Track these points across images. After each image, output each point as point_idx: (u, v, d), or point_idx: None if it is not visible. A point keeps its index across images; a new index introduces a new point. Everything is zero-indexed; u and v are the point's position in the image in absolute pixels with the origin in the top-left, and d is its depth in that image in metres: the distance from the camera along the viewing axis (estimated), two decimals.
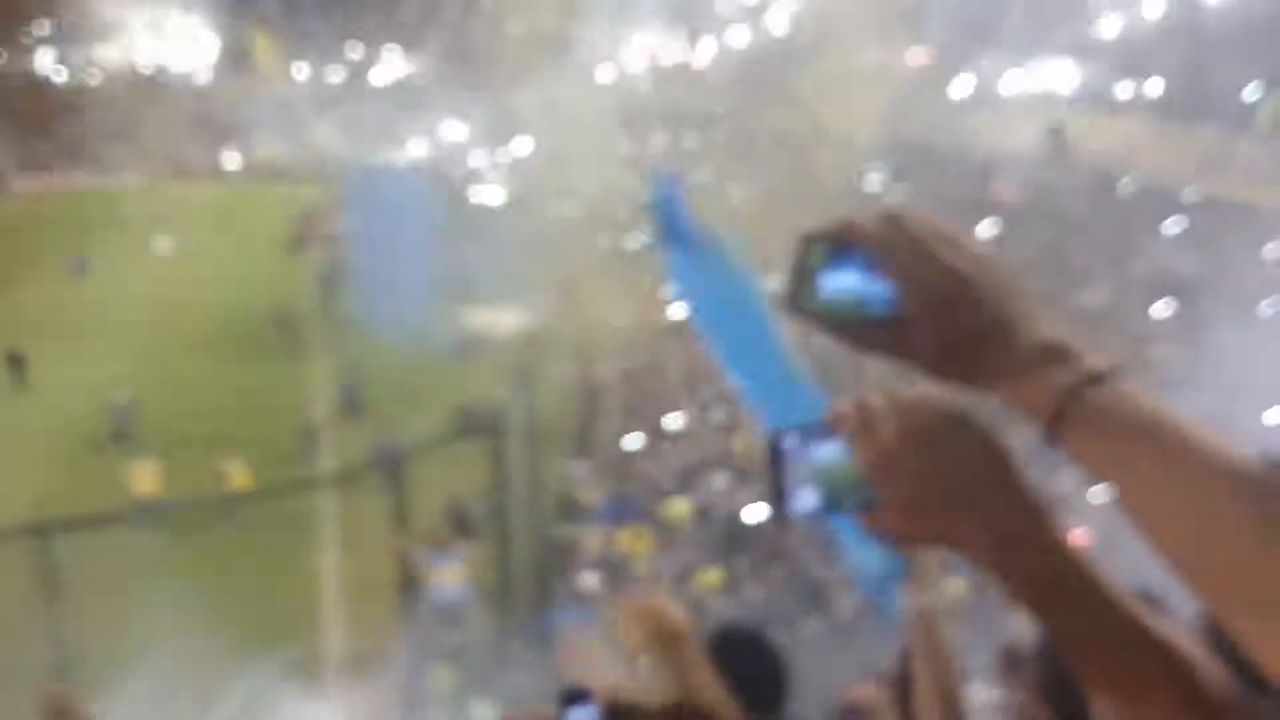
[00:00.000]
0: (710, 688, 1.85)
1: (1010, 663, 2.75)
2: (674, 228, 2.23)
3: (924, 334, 1.01)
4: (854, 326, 1.04)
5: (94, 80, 67.16)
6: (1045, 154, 27.81)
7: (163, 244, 40.21)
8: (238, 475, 18.28)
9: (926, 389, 1.03)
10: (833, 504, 1.01)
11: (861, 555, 2.44)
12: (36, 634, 12.42)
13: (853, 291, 1.03)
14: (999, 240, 23.55)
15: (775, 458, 1.02)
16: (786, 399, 2.37)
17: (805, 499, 1.02)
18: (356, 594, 15.97)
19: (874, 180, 29.50)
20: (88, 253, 37.13)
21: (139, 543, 16.20)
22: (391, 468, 14.70)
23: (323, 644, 15.11)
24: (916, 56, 32.64)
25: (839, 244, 1.04)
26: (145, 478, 18.66)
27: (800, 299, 1.05)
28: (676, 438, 18.63)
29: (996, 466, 0.98)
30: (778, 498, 1.03)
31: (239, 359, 27.21)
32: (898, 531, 0.98)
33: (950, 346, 1.01)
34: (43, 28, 69.19)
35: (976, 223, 23.97)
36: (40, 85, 67.41)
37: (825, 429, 1.02)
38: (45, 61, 69.36)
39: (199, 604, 14.70)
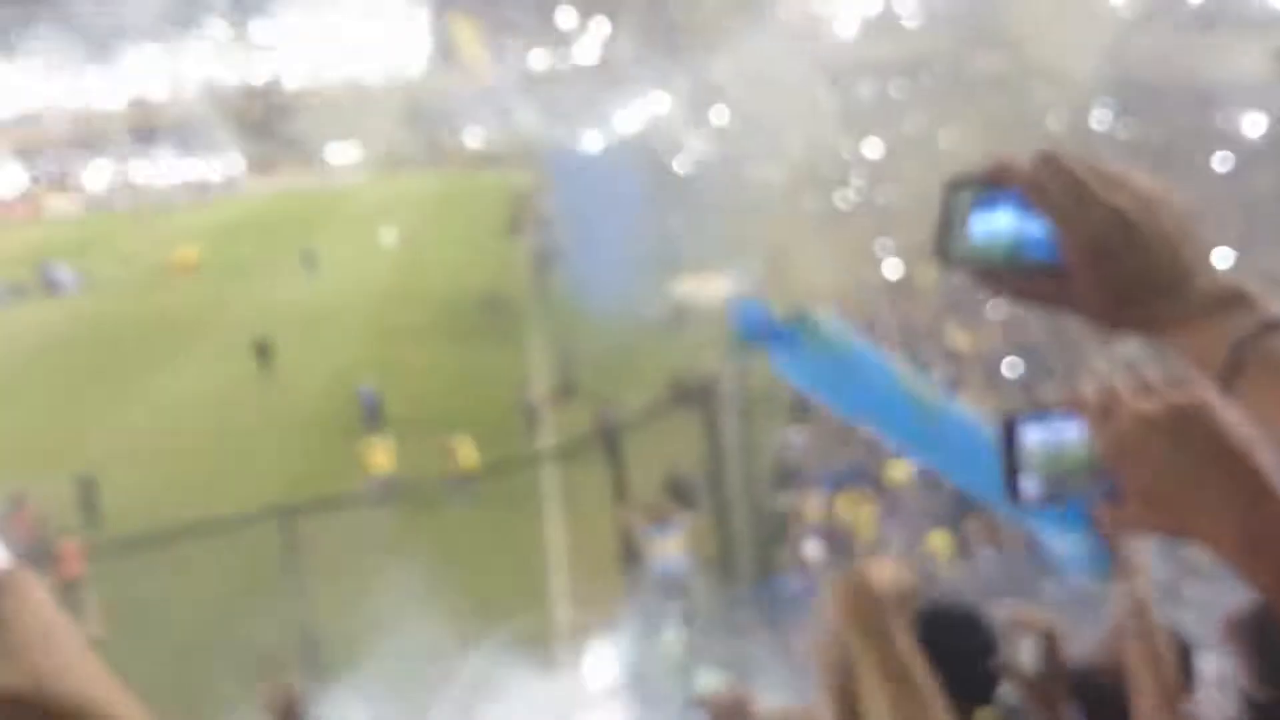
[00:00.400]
0: (913, 664, 1.68)
1: (1234, 635, 2.67)
2: (768, 337, 2.08)
3: (1086, 281, 0.95)
4: (1011, 274, 0.98)
5: (313, 82, 70.63)
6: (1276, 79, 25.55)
7: (387, 236, 41.97)
8: (465, 454, 18.80)
9: (1174, 373, 0.93)
10: (1063, 491, 0.95)
11: (1063, 543, 2.23)
12: (281, 611, 13.05)
13: (1008, 234, 0.97)
14: (1233, 176, 21.73)
15: (1007, 441, 0.95)
16: (966, 452, 2.16)
17: (1034, 485, 0.95)
18: (581, 567, 16.18)
19: (1098, 118, 27.78)
20: (316, 247, 39.03)
21: (375, 521, 16.89)
22: (610, 441, 14.75)
23: (550, 617, 15.37)
24: None
25: (991, 187, 0.98)
26: (381, 455, 19.48)
27: (950, 246, 1.00)
28: None
29: (1246, 457, 0.87)
30: (1008, 482, 0.96)
31: (460, 342, 28.05)
32: (1139, 523, 0.90)
33: (1115, 294, 0.95)
34: (261, 33, 73.24)
35: (1209, 156, 22.21)
36: (263, 90, 71.48)
37: (1063, 413, 0.95)
38: (268, 66, 73.41)
39: (431, 581, 15.21)
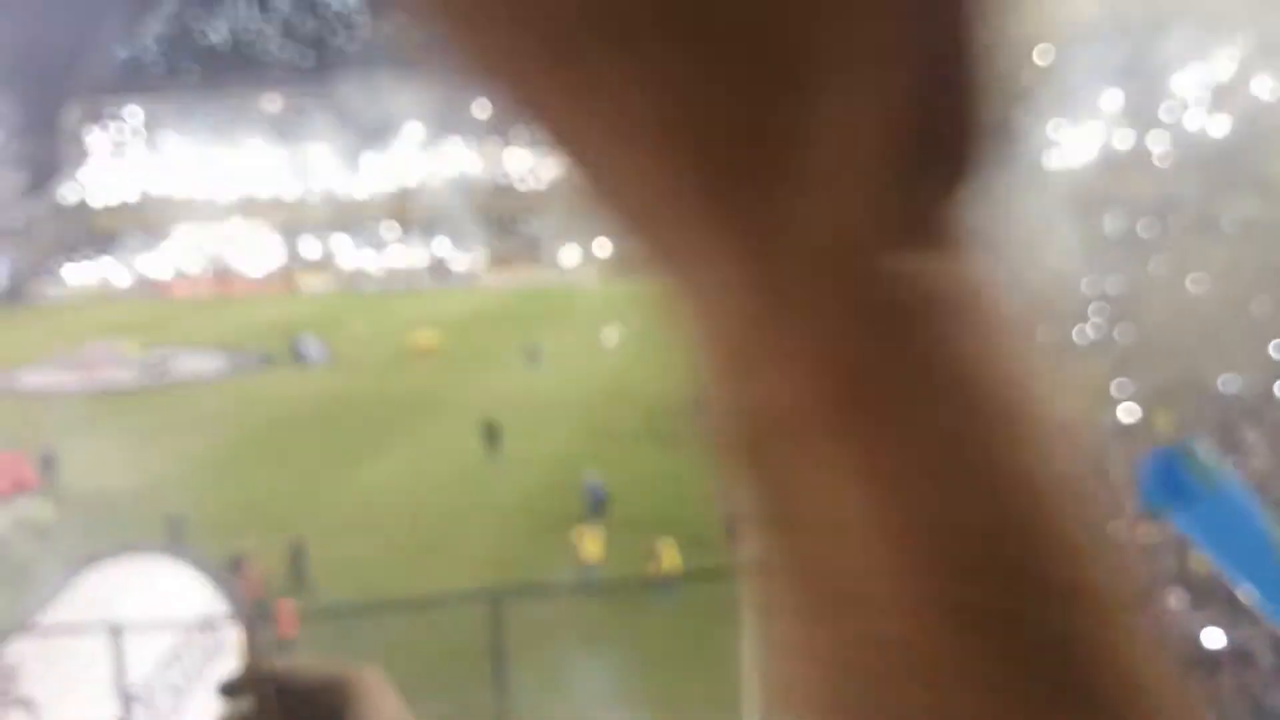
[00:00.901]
0: None
1: None
2: (1177, 492, 2.01)
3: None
4: None
5: (551, 183, 73.59)
6: None
7: (610, 335, 43.04)
8: (669, 556, 18.85)
9: None
10: None
11: None
12: (479, 692, 13.27)
13: None
14: None
15: None
16: None
17: None
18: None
19: None
20: (542, 341, 40.34)
21: (579, 612, 17.07)
22: None
23: None
24: None
25: None
26: (592, 544, 19.85)
27: None
28: (1124, 548, 17.10)
29: None
30: None
31: (673, 445, 28.29)
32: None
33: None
34: (515, 133, 77.09)
35: None
36: (506, 188, 75.19)
37: None
38: (512, 165, 77.23)
39: (626, 677, 15.23)
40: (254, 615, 17.99)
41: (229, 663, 16.11)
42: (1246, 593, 2.18)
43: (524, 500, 24.36)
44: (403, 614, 16.39)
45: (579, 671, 14.37)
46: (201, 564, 17.46)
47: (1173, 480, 1.98)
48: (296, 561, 19.97)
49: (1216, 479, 2.06)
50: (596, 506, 22.46)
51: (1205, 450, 2.11)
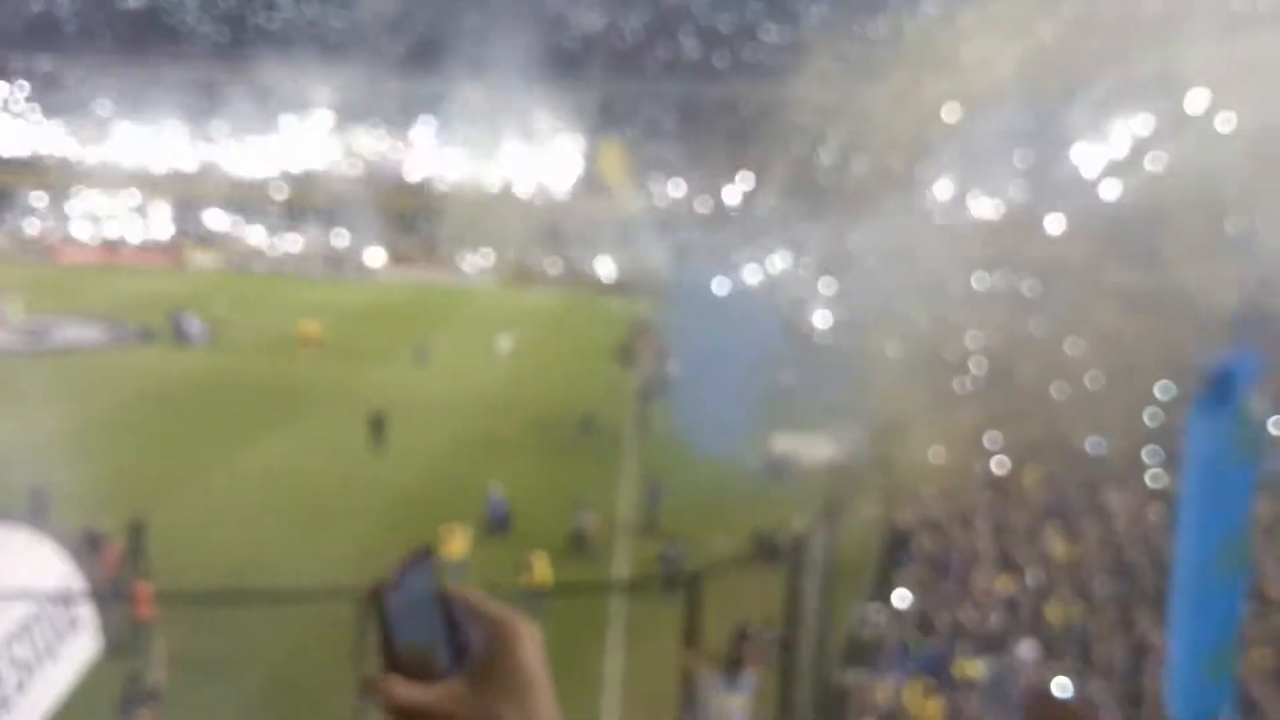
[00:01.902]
0: None
1: None
2: (1227, 394, 2.16)
3: None
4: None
5: (460, 186, 73.42)
6: None
7: (503, 342, 42.98)
8: (540, 569, 18.85)
9: None
10: None
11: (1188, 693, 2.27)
12: (342, 692, 13.09)
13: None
14: None
15: None
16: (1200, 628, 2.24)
17: None
18: (638, 701, 15.97)
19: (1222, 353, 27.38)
20: (432, 342, 40.04)
21: None
22: (691, 583, 14.65)
23: None
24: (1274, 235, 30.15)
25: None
26: (456, 542, 19.72)
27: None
28: (982, 596, 17.62)
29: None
30: None
31: (553, 458, 28.35)
32: None
33: None
34: (425, 130, 76.74)
35: None
36: (412, 186, 74.54)
37: None
38: (416, 164, 76.68)
39: None
40: (110, 594, 17.54)
41: (81, 641, 15.62)
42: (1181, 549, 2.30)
43: (399, 498, 24.14)
44: (266, 604, 16.11)
45: None
46: (62, 538, 16.98)
47: (1226, 394, 2.10)
48: (136, 540, 19.35)
49: (1259, 445, 2.17)
50: (499, 522, 22.26)
51: (1267, 420, 2.24)
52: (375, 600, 1.00)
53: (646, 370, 38.56)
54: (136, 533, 19.42)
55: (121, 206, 72.36)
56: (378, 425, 28.28)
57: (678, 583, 17.03)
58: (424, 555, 1.03)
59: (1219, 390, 2.14)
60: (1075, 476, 21.37)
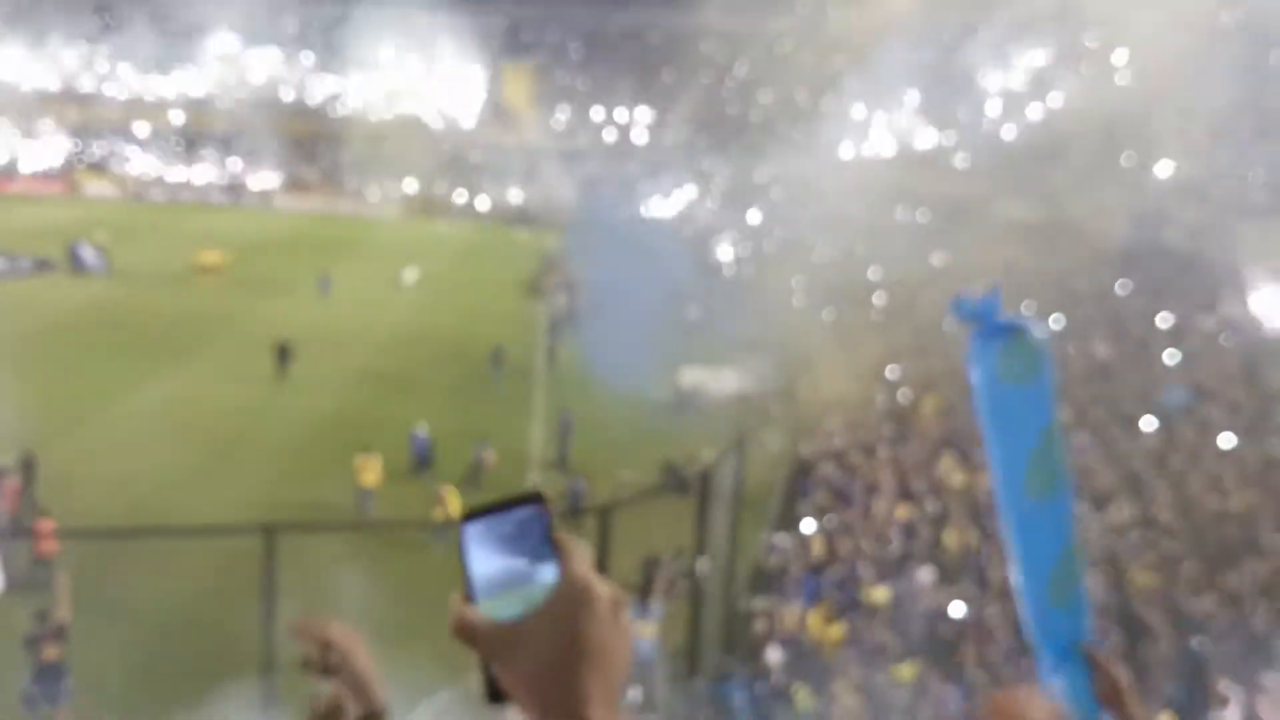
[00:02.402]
0: None
1: None
2: (985, 321, 2.24)
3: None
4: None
5: (362, 113, 71.84)
6: None
7: (409, 274, 42.51)
8: (451, 503, 18.94)
9: None
10: None
11: (1060, 683, 2.39)
12: (245, 625, 13.09)
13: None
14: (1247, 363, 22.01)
15: None
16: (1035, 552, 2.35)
17: None
18: None
19: (1121, 285, 28.26)
20: (334, 273, 39.41)
21: (357, 547, 16.99)
22: (601, 515, 14.86)
23: None
24: (1166, 169, 31.09)
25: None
26: (370, 473, 19.94)
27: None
28: (883, 523, 18.21)
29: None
30: None
31: (463, 389, 28.32)
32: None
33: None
34: (327, 55, 74.83)
35: (1219, 341, 22.53)
36: (313, 113, 72.75)
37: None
38: (317, 90, 74.78)
39: (399, 622, 15.27)
40: (10, 530, 17.21)
41: None
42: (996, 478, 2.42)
43: (306, 432, 23.95)
44: (172, 540, 15.95)
45: (349, 609, 14.28)
46: None
47: (987, 310, 2.20)
48: (27, 476, 18.94)
49: (1037, 365, 2.29)
50: (423, 459, 22.18)
51: (1040, 337, 2.34)
52: (461, 527, 1.02)
53: (555, 303, 38.57)
54: (28, 468, 18.99)
55: (13, 131, 69.40)
56: (283, 354, 28.05)
57: (583, 515, 17.28)
58: (535, 499, 1.04)
59: (982, 322, 2.29)
60: (970, 407, 22.05)
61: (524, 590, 1.01)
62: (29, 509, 18.10)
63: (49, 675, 13.44)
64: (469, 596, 1.02)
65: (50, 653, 13.73)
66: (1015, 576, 2.47)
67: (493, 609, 1.01)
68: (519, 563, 1.01)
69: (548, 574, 1.01)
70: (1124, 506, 15.84)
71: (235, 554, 14.63)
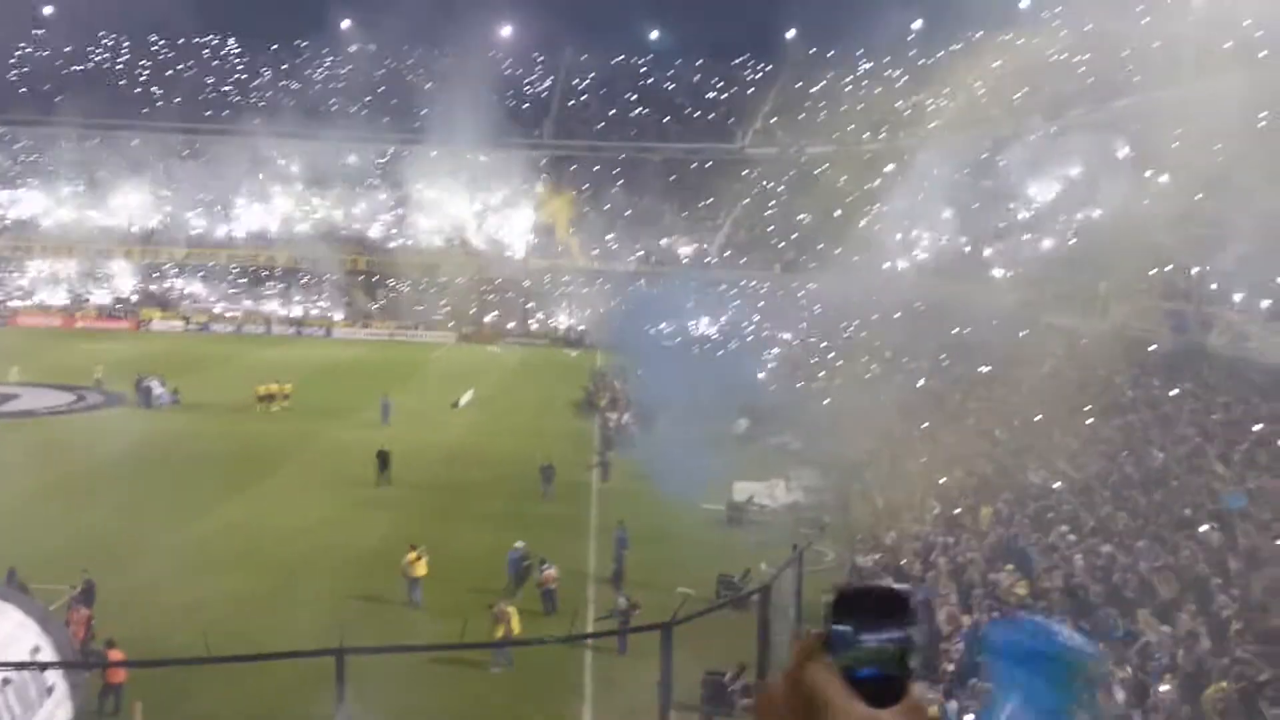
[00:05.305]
0: None
1: None
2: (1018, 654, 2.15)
3: None
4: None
5: (417, 246, 74.01)
6: None
7: (464, 396, 43.35)
8: (513, 622, 19.10)
9: None
10: None
11: None
12: None
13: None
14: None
15: None
16: None
17: None
18: None
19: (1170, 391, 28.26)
20: (395, 400, 40.01)
21: (422, 670, 17.16)
22: (663, 631, 14.96)
23: None
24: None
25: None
26: (419, 564, 21.57)
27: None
28: (948, 634, 18.13)
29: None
30: None
31: (515, 503, 28.71)
32: None
33: None
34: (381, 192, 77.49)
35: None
36: (373, 247, 74.82)
37: None
38: (382, 226, 77.15)
39: None
40: (81, 660, 17.54)
41: (54, 709, 15.68)
42: None
43: (363, 549, 24.38)
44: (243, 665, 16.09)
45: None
46: (29, 608, 16.99)
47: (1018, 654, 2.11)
48: (85, 598, 19.32)
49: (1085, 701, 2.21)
50: (519, 576, 22.36)
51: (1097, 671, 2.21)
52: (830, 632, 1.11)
53: (607, 421, 39.04)
54: (87, 595, 19.36)
55: (81, 269, 72.05)
56: (384, 461, 30.26)
57: (635, 630, 17.35)
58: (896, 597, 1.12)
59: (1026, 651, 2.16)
60: (1025, 511, 22.04)
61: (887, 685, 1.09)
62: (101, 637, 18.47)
63: None
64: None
65: None
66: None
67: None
68: (890, 661, 1.10)
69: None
70: (1191, 615, 15.63)
71: (304, 676, 14.94)
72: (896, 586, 1.15)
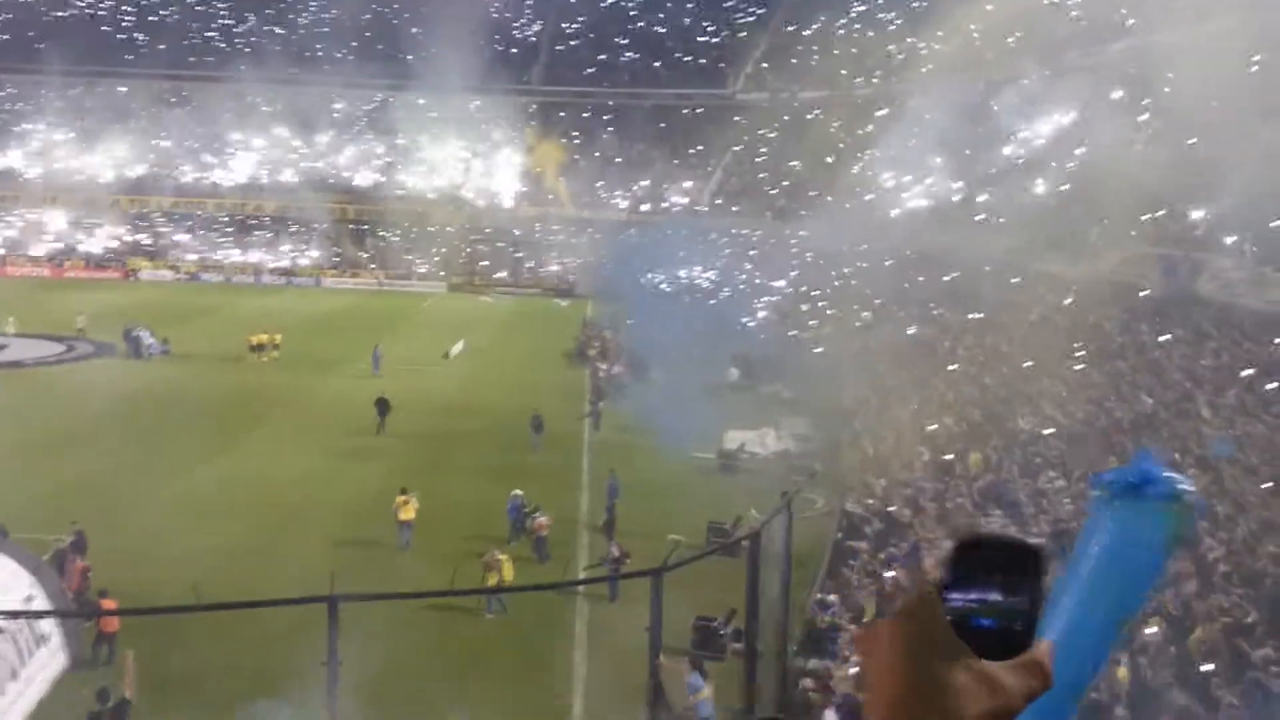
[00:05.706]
0: None
1: None
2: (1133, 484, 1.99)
3: None
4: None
5: (406, 195, 73.42)
6: None
7: (454, 347, 43.26)
8: (506, 569, 19.19)
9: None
10: None
11: None
12: (312, 698, 13.35)
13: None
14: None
15: None
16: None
17: None
18: (603, 695, 16.31)
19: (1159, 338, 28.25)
20: (383, 348, 39.92)
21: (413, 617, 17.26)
22: (654, 578, 15.06)
23: None
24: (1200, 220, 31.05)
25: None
26: (407, 508, 21.88)
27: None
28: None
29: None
30: None
31: (505, 453, 28.76)
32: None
33: None
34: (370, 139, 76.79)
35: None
36: (361, 195, 74.26)
37: None
38: (371, 175, 76.53)
39: (455, 686, 15.58)
40: (77, 607, 17.60)
41: (48, 657, 15.75)
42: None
43: (357, 497, 24.49)
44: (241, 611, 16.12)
45: (409, 672, 14.55)
46: (21, 557, 17.02)
47: (1142, 485, 2.02)
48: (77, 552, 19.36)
49: (1183, 536, 2.13)
50: (518, 525, 22.48)
51: (1197, 510, 2.20)
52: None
53: (598, 371, 39.02)
54: (78, 547, 19.38)
55: (71, 219, 71.43)
56: (383, 408, 30.49)
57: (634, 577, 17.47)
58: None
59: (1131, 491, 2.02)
60: (1014, 458, 22.17)
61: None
62: (95, 587, 18.55)
63: None
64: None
65: None
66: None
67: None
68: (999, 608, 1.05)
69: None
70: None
71: (297, 624, 14.96)
72: (1029, 540, 1.07)
